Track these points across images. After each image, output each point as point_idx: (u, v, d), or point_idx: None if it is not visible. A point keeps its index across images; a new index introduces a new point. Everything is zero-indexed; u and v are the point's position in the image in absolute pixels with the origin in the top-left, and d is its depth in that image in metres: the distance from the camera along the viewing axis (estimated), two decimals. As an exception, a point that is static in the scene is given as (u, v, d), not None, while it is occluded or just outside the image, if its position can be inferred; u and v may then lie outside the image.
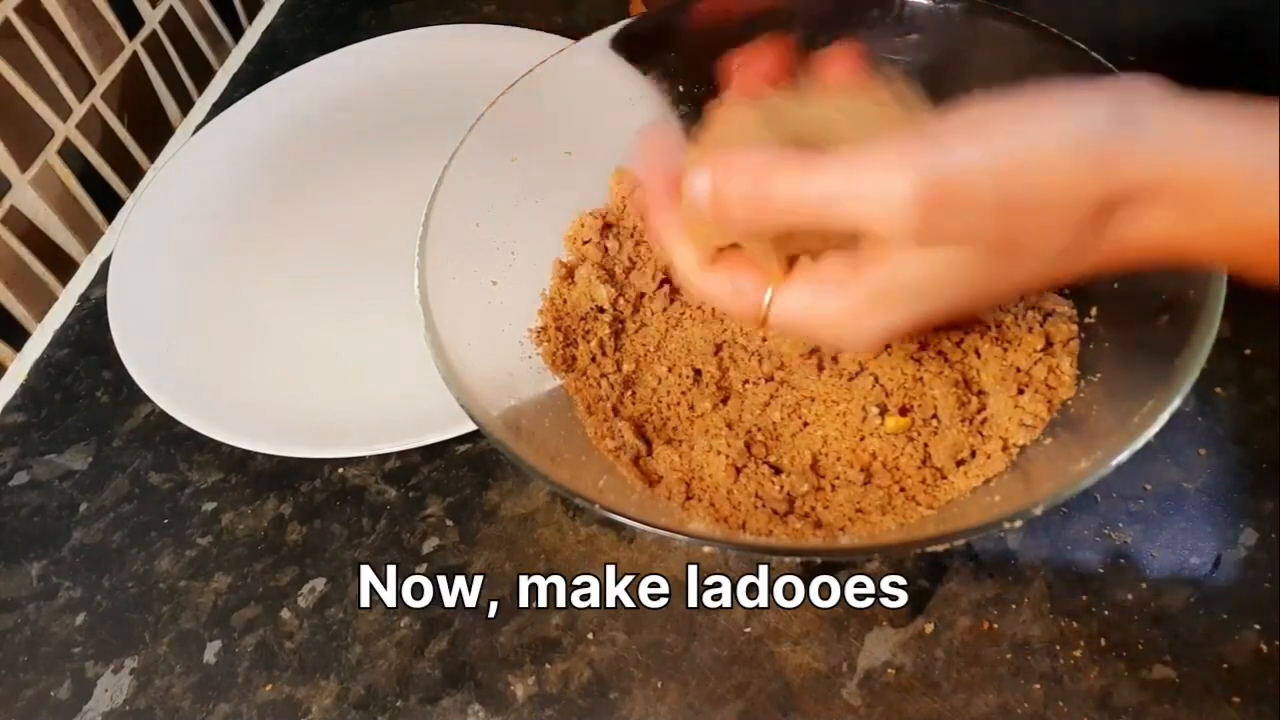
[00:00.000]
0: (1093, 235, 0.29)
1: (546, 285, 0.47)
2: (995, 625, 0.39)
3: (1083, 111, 0.28)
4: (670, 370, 0.44)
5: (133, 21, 0.63)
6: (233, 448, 0.49)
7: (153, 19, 0.65)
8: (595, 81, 0.48)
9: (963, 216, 0.28)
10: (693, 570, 0.42)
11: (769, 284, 0.33)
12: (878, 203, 0.28)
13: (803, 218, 0.30)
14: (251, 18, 0.75)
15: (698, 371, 0.44)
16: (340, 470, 0.48)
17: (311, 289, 0.56)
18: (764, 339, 0.44)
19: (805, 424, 0.42)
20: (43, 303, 0.58)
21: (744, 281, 0.34)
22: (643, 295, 0.46)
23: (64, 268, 0.59)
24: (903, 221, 0.28)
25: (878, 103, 0.33)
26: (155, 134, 0.66)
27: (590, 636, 0.41)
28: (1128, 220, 0.29)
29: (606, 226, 0.48)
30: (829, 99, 0.34)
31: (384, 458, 0.48)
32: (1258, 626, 0.38)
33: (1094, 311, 0.41)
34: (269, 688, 0.42)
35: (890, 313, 0.32)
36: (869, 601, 0.40)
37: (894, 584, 0.40)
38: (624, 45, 0.47)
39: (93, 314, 0.57)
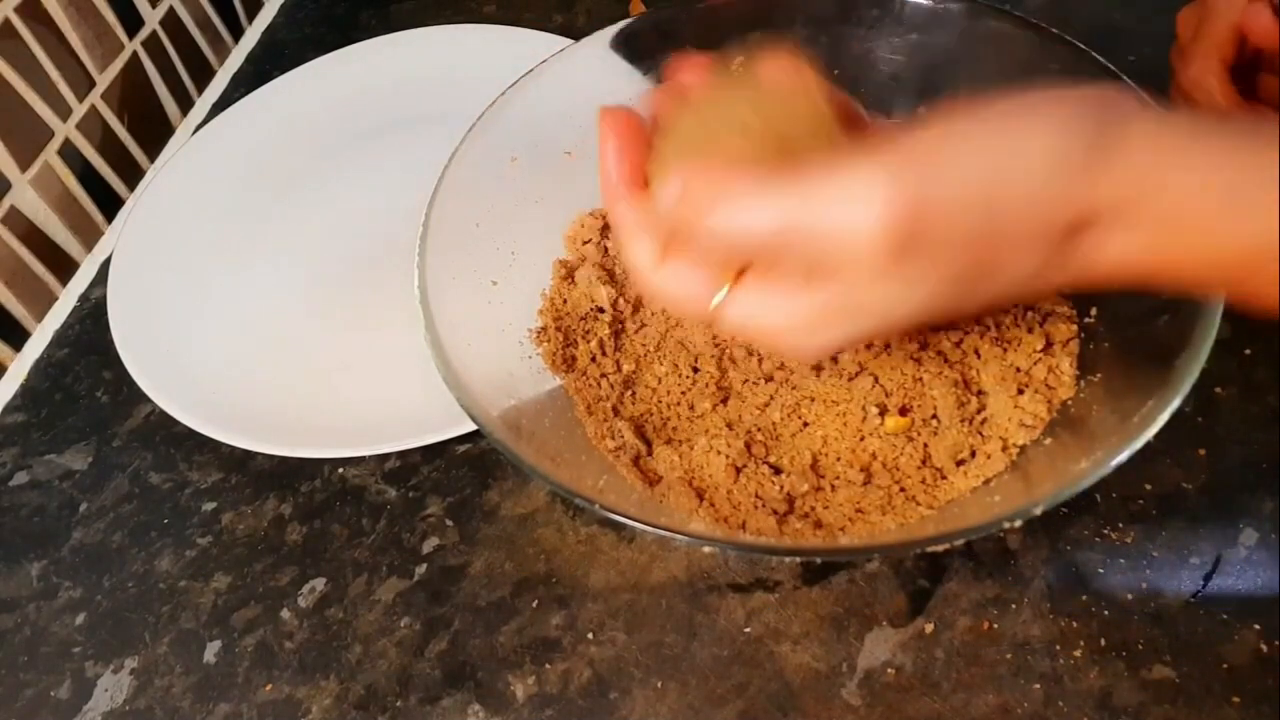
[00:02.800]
0: (1061, 258, 0.28)
1: (546, 285, 0.47)
2: (995, 625, 0.39)
3: (1060, 130, 0.27)
4: (670, 370, 0.44)
5: (133, 21, 0.63)
6: (233, 448, 0.49)
7: (153, 19, 0.65)
8: (595, 81, 0.48)
9: (932, 249, 0.28)
10: (693, 570, 0.42)
11: (721, 284, 0.32)
12: (847, 228, 0.27)
13: (770, 242, 0.29)
14: (251, 18, 0.75)
15: (697, 371, 0.44)
16: (340, 470, 0.48)
17: (312, 289, 0.56)
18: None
19: (805, 424, 0.42)
20: (43, 303, 0.58)
21: (694, 281, 0.32)
22: (643, 295, 0.46)
23: (64, 268, 0.59)
24: (873, 246, 0.27)
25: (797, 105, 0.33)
26: (155, 134, 0.66)
27: (590, 636, 0.41)
28: (1098, 242, 0.28)
29: (606, 226, 0.48)
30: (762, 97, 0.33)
31: (384, 458, 0.48)
32: (1258, 626, 0.38)
33: (1094, 311, 0.42)
34: (269, 688, 0.42)
35: (841, 328, 0.31)
36: (869, 601, 0.40)
37: (894, 584, 0.41)
38: (624, 45, 0.47)
39: (93, 314, 0.57)
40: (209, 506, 0.48)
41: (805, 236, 0.28)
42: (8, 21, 0.54)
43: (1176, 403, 0.33)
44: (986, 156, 0.27)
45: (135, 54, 0.64)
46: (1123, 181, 0.27)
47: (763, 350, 0.43)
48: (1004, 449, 0.39)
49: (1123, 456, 0.32)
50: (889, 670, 0.39)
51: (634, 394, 0.44)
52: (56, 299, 0.58)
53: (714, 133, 0.32)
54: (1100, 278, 0.29)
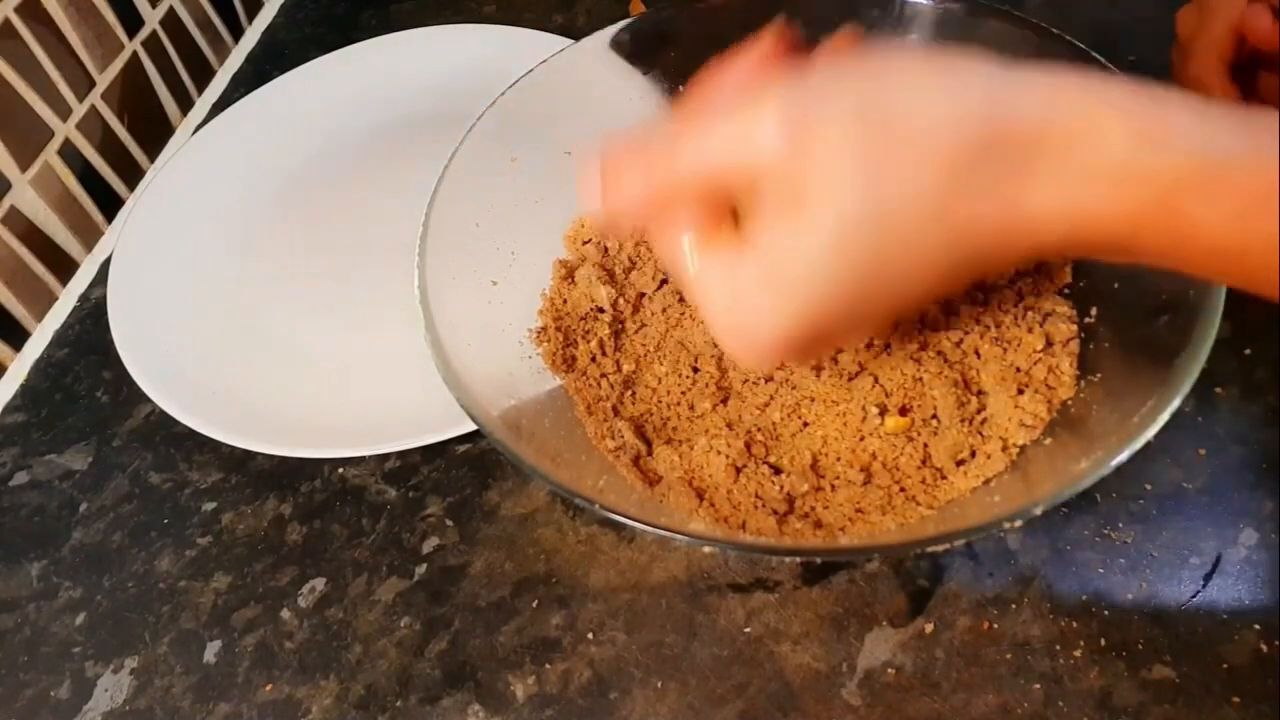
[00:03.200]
0: (981, 183, 0.26)
1: (546, 285, 0.47)
2: (995, 625, 0.39)
3: (960, 65, 0.27)
4: (670, 370, 0.44)
5: (133, 21, 0.63)
6: (233, 448, 0.49)
7: (153, 19, 0.65)
8: (595, 81, 0.48)
9: (827, 151, 0.26)
10: (693, 570, 0.42)
11: (694, 246, 0.31)
12: (749, 150, 0.27)
13: (693, 183, 0.29)
14: (251, 18, 0.75)
15: (697, 371, 0.44)
16: (340, 470, 0.48)
17: (312, 289, 0.56)
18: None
19: (805, 424, 0.42)
20: (43, 303, 0.58)
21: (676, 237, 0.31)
22: (643, 295, 0.46)
23: (64, 268, 0.59)
24: (770, 165, 0.27)
25: None
26: (155, 134, 0.66)
27: (590, 636, 0.41)
28: (1014, 181, 0.26)
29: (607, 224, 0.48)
30: None
31: (384, 458, 0.48)
32: (1258, 626, 0.38)
33: (1094, 311, 0.42)
34: (269, 688, 0.42)
35: (780, 298, 0.28)
36: (869, 601, 0.40)
37: (894, 584, 0.41)
38: (624, 45, 0.47)
39: (93, 314, 0.57)
40: (209, 506, 0.48)
41: (716, 161, 0.28)
42: (8, 21, 0.54)
43: (1176, 403, 0.33)
44: (877, 75, 0.27)
45: (135, 54, 0.64)
46: (1031, 106, 0.26)
47: (722, 347, 0.40)
48: (1004, 449, 0.39)
49: (1123, 456, 0.32)
50: (889, 670, 0.39)
51: (634, 394, 0.44)
52: (56, 299, 0.58)
53: None
54: (1027, 238, 0.28)
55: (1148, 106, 0.26)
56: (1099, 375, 0.40)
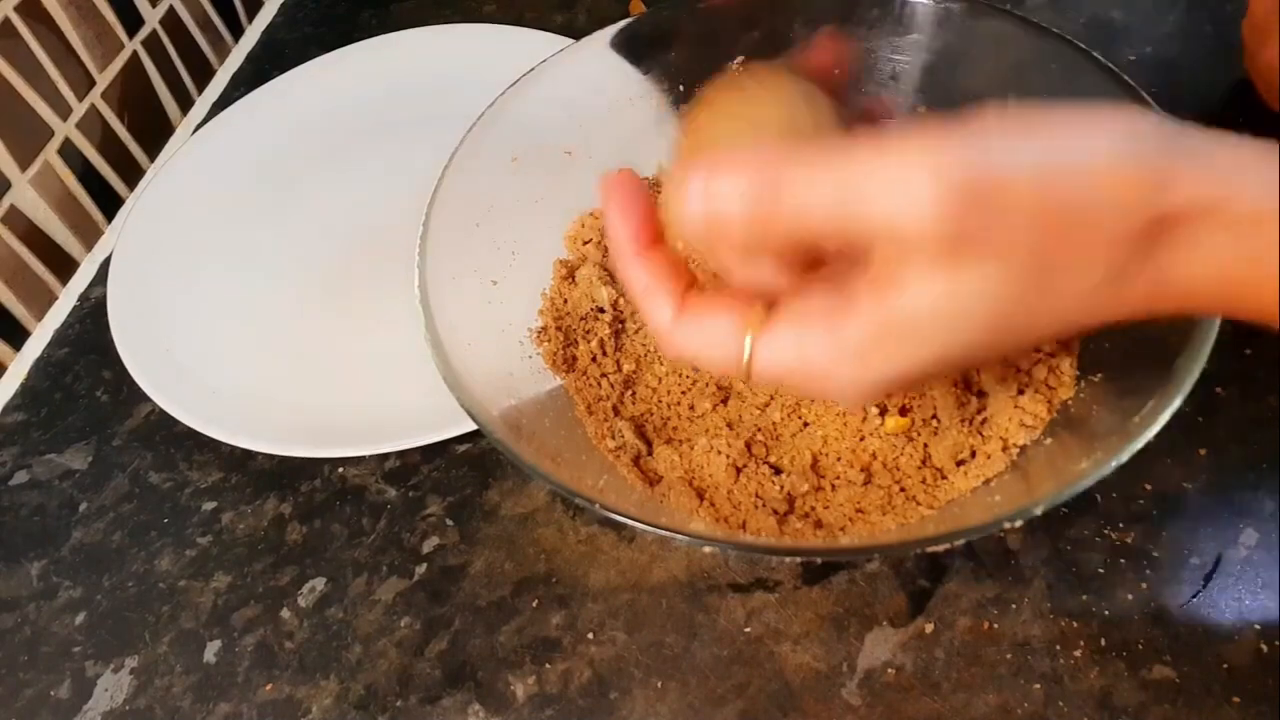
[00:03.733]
0: (1137, 262, 0.26)
1: (547, 285, 0.47)
2: (995, 625, 0.39)
3: (1127, 126, 0.25)
4: (670, 370, 0.44)
5: (133, 21, 0.63)
6: (233, 448, 0.49)
7: (153, 18, 0.65)
8: (595, 81, 0.48)
9: (999, 222, 0.25)
10: (693, 570, 0.42)
11: (747, 330, 0.29)
12: (903, 199, 0.24)
13: (815, 224, 0.26)
14: (251, 18, 0.75)
15: (697, 371, 0.44)
16: (340, 470, 0.48)
17: (312, 289, 0.56)
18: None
19: (805, 424, 0.42)
20: (43, 302, 0.58)
21: (719, 330, 0.29)
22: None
23: (64, 267, 0.59)
24: (933, 222, 0.24)
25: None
26: (155, 134, 0.66)
27: (590, 636, 0.41)
28: (1177, 248, 0.26)
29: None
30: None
31: (384, 458, 0.48)
32: (1258, 626, 0.38)
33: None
34: (269, 687, 0.42)
35: (895, 355, 0.27)
36: (869, 601, 0.40)
37: (894, 584, 0.41)
38: (624, 45, 0.47)
39: (93, 314, 0.57)
40: (209, 506, 0.48)
41: (853, 213, 0.25)
42: (8, 21, 0.54)
43: (1177, 403, 0.33)
44: (1046, 141, 0.25)
45: (135, 54, 0.64)
46: (1203, 181, 0.25)
47: (808, 398, 0.40)
48: (1004, 449, 0.39)
49: (1123, 456, 0.32)
50: (889, 670, 0.39)
51: (634, 394, 0.44)
52: (56, 298, 0.58)
53: (733, 131, 0.31)
54: (1177, 294, 0.27)
55: None
56: (1099, 375, 0.39)
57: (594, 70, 0.47)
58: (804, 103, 0.32)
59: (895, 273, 0.26)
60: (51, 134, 0.57)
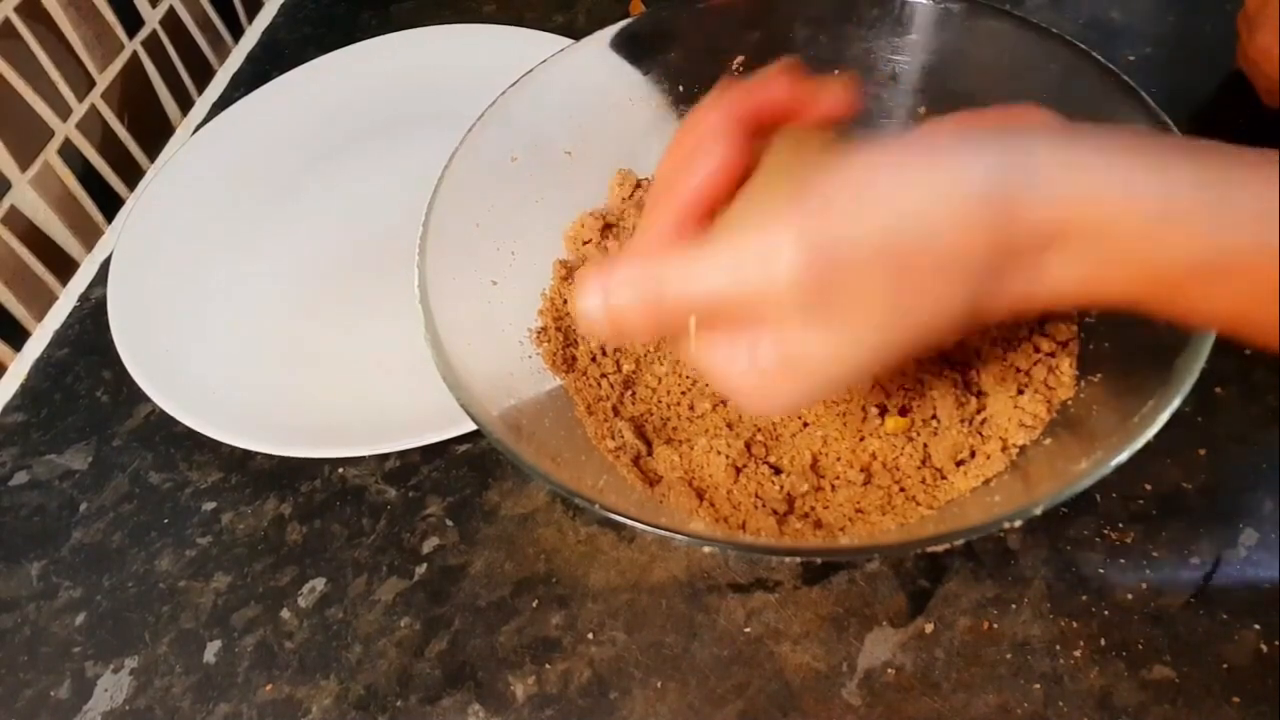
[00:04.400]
0: (995, 287, 0.28)
1: (546, 285, 0.47)
2: (995, 625, 0.39)
3: (965, 164, 0.27)
4: (670, 370, 0.44)
5: (133, 21, 0.63)
6: (233, 448, 0.49)
7: (153, 19, 0.65)
8: (595, 81, 0.48)
9: (853, 286, 0.28)
10: (693, 570, 0.42)
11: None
12: (765, 284, 0.28)
13: (699, 310, 0.30)
14: (251, 18, 0.75)
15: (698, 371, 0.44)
16: (340, 470, 0.48)
17: (311, 289, 0.56)
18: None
19: (805, 424, 0.42)
20: (43, 303, 0.58)
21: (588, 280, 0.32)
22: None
23: (64, 268, 0.59)
24: (791, 299, 0.28)
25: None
26: (155, 134, 0.66)
27: (590, 636, 0.41)
28: (1032, 269, 0.28)
29: (607, 227, 0.48)
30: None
31: (384, 458, 0.48)
32: (1258, 626, 0.38)
33: (1094, 311, 0.42)
34: (269, 688, 0.42)
35: (791, 385, 0.31)
36: (869, 601, 0.40)
37: (894, 584, 0.41)
38: (624, 45, 0.47)
39: (93, 314, 0.57)
40: (209, 506, 0.48)
41: (726, 298, 0.29)
42: (8, 21, 0.54)
43: (1176, 403, 0.33)
44: (892, 186, 0.27)
45: (135, 54, 0.64)
46: (1044, 205, 0.26)
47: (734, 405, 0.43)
48: (1004, 449, 0.39)
49: (1123, 456, 0.32)
50: (889, 670, 0.39)
51: (634, 394, 0.44)
52: (56, 299, 0.58)
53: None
54: (1043, 303, 0.29)
55: (1159, 191, 0.26)
56: (1099, 375, 0.39)
57: (594, 70, 0.47)
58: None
59: (769, 321, 0.29)
60: (51, 134, 0.57)
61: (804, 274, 0.27)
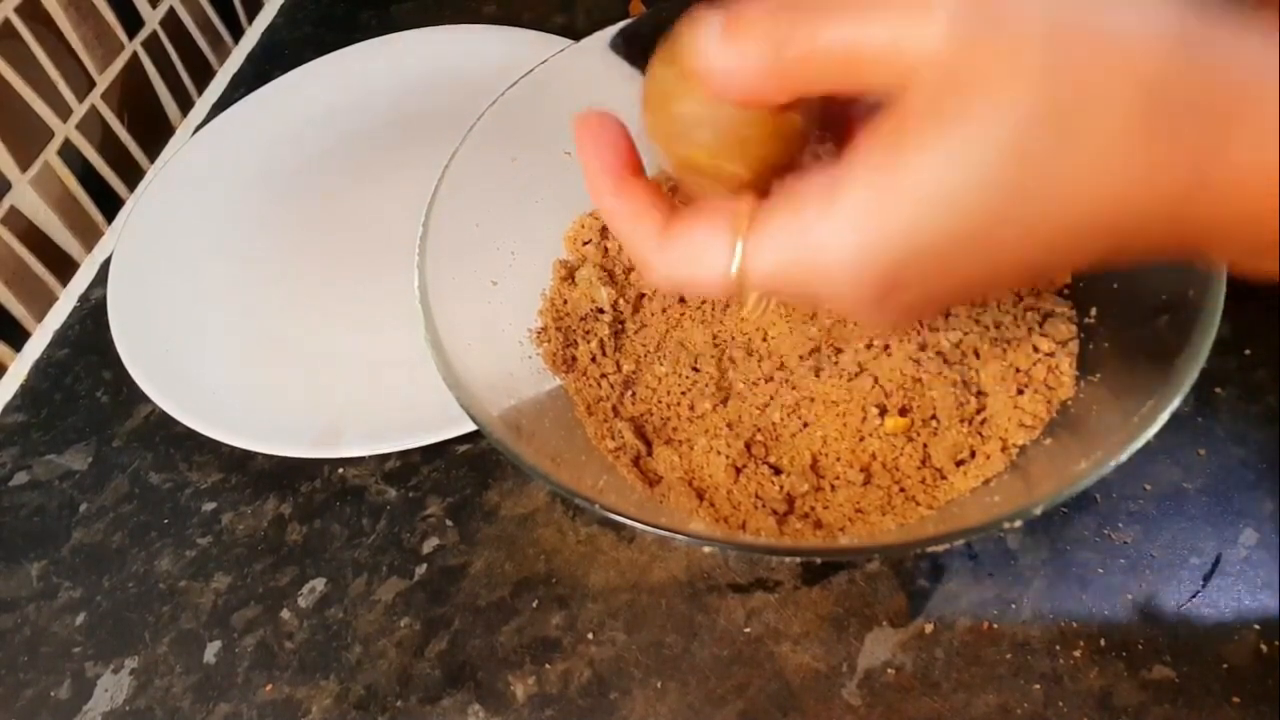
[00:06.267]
0: (1178, 128, 0.22)
1: (546, 285, 0.47)
2: (995, 625, 0.39)
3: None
4: (670, 370, 0.44)
5: (133, 21, 0.63)
6: (233, 448, 0.49)
7: (153, 19, 0.65)
8: (595, 81, 0.48)
9: (1010, 37, 0.22)
10: (693, 570, 0.42)
11: (735, 234, 0.26)
12: (915, 18, 0.22)
13: (829, 68, 0.24)
14: (251, 18, 0.75)
15: (697, 371, 0.44)
16: (340, 470, 0.48)
17: (311, 289, 0.56)
18: (765, 338, 0.44)
19: (805, 424, 0.42)
20: (43, 303, 0.58)
21: (705, 241, 0.26)
22: (643, 296, 0.46)
23: (64, 268, 0.59)
24: (941, 26, 0.22)
25: None
26: (155, 134, 0.66)
27: (590, 636, 0.41)
28: (1216, 132, 0.22)
29: (607, 227, 0.48)
30: None
31: (384, 458, 0.48)
32: (1258, 626, 0.38)
33: (1094, 311, 0.42)
34: (269, 688, 0.42)
35: (898, 230, 0.23)
36: (869, 601, 0.40)
37: (894, 584, 0.41)
38: (624, 45, 0.47)
39: (93, 314, 0.57)
40: (209, 506, 0.48)
41: (867, 43, 0.23)
42: (8, 21, 0.54)
43: (1176, 403, 0.33)
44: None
45: (135, 54, 0.64)
46: (1238, 77, 0.22)
47: (820, 309, 0.39)
48: (1004, 449, 0.39)
49: (1123, 456, 0.32)
50: (889, 670, 0.39)
51: (634, 394, 0.44)
52: (56, 299, 0.58)
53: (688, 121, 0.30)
54: (1225, 186, 0.23)
55: None
56: (1099, 375, 0.39)
57: (594, 70, 0.47)
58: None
59: (895, 115, 0.23)
60: (51, 135, 0.57)
61: (956, 20, 0.22)
